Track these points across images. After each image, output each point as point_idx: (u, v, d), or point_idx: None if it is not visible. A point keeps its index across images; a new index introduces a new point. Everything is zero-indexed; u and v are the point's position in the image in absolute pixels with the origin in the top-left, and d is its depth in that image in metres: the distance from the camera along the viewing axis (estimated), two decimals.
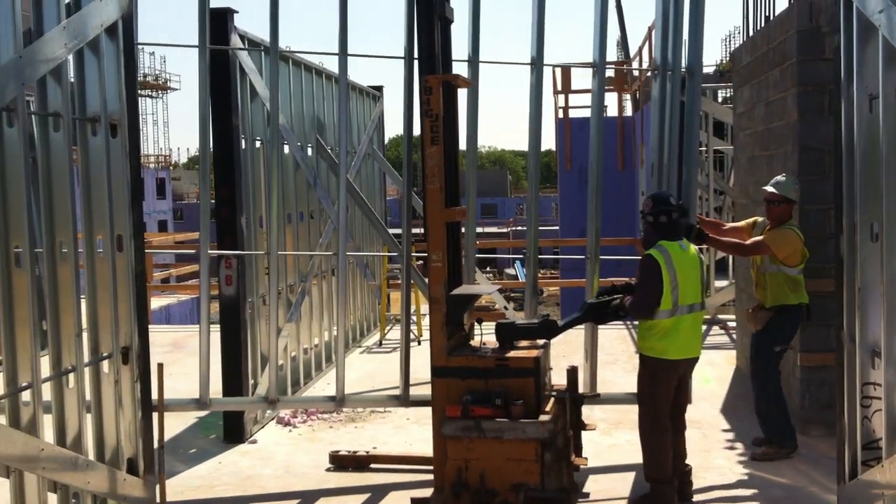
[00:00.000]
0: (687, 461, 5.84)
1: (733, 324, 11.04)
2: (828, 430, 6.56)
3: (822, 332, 6.88)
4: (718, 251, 10.19)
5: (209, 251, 6.67)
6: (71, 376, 4.64)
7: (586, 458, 6.08)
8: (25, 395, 4.33)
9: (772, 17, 8.35)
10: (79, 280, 4.70)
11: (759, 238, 6.55)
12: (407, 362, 6.67)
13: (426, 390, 7.98)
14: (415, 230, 7.38)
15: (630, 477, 6.20)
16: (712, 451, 6.79)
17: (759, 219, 6.88)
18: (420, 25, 5.79)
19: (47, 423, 4.47)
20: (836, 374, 5.27)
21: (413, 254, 7.15)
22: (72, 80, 4.81)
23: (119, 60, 5.05)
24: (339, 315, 7.01)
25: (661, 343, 5.51)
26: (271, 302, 6.85)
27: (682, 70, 6.94)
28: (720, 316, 12.29)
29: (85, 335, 4.80)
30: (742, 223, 7.12)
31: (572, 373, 5.84)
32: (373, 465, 6.52)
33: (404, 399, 6.66)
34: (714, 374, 9.17)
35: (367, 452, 6.65)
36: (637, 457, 6.58)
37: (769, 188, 6.57)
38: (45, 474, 4.35)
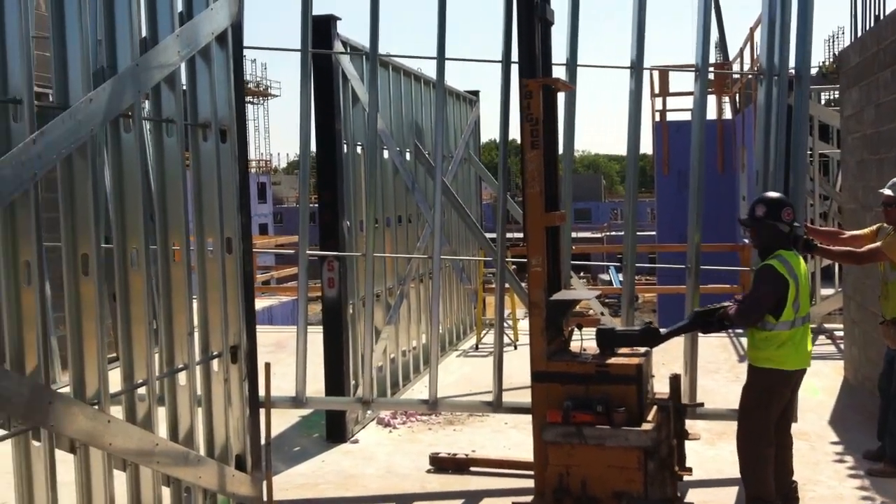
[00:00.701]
0: (795, 476, 5.66)
1: (840, 333, 10.68)
2: None
3: None
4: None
5: (307, 253, 6.79)
6: (183, 374, 4.78)
7: (690, 469, 5.94)
8: (140, 391, 4.48)
9: (882, 17, 8.07)
10: (190, 281, 4.84)
11: (875, 245, 6.24)
12: (500, 368, 6.65)
13: (523, 395, 7.98)
14: (508, 234, 7.37)
15: (733, 491, 6.05)
16: (820, 464, 6.58)
17: (885, 225, 6.54)
18: (520, 28, 5.76)
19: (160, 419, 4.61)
20: None
21: (508, 258, 7.13)
22: (184, 86, 4.96)
23: (228, 67, 5.18)
24: (433, 318, 7.04)
25: (779, 354, 5.34)
26: (367, 304, 6.94)
27: (789, 74, 6.73)
28: (827, 325, 11.91)
29: (196, 335, 4.94)
30: (864, 230, 6.76)
31: (675, 381, 5.72)
32: (472, 468, 6.53)
33: (497, 405, 6.65)
34: (821, 384, 8.88)
35: (467, 455, 6.66)
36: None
37: (886, 190, 6.25)
38: (159, 468, 4.49)
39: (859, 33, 8.74)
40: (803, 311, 5.36)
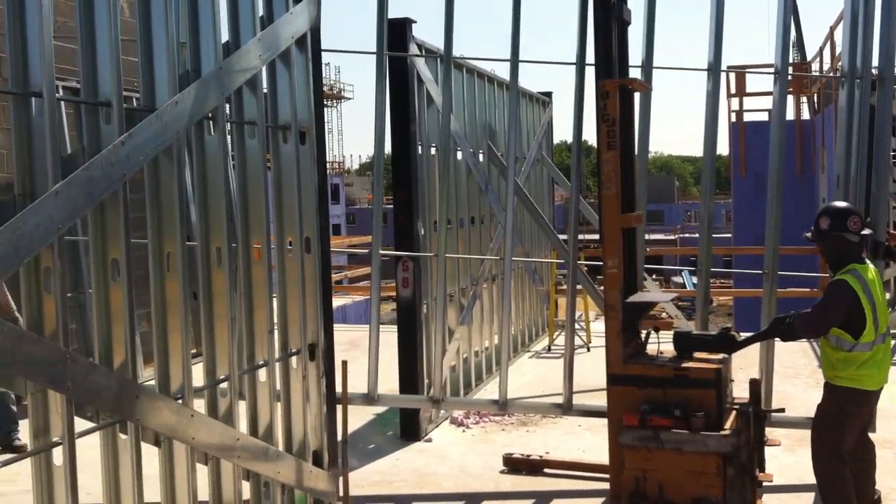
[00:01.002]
0: (878, 485, 5.50)
1: None
2: None
3: None
4: None
5: (380, 253, 6.85)
6: (263, 370, 4.87)
7: (771, 475, 5.84)
8: (221, 387, 4.58)
9: None
10: (271, 279, 4.93)
11: None
12: (571, 370, 6.62)
13: (595, 397, 7.92)
14: (579, 236, 7.33)
15: (810, 498, 5.91)
16: None
17: None
18: (596, 28, 5.72)
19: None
20: None
21: (580, 260, 7.09)
22: (264, 89, 5.05)
23: (307, 70, 5.26)
24: (505, 320, 7.03)
25: (860, 374, 5.08)
26: (439, 303, 6.95)
27: (872, 75, 6.55)
28: None
29: (276, 332, 5.02)
30: None
31: (755, 385, 5.62)
32: (546, 470, 6.50)
33: (567, 407, 6.62)
34: None
35: (541, 457, 6.64)
36: None
37: None
38: (240, 463, 4.58)
39: None
40: (883, 328, 5.12)
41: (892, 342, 5.26)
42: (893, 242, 6.29)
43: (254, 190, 4.86)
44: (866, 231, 5.17)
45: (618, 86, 5.55)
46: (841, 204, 5.32)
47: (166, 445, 4.18)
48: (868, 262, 5.19)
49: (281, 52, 5.03)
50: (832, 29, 17.61)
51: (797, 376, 9.45)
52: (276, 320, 5.03)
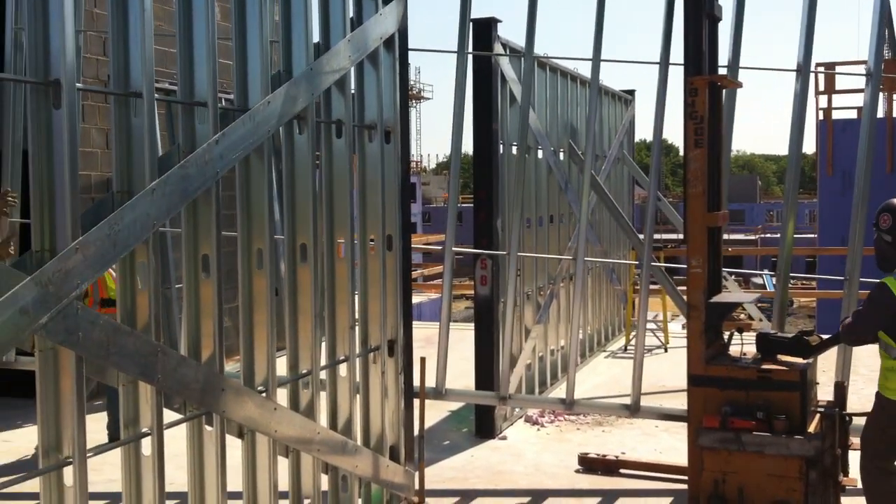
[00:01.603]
0: None
1: None
2: None
3: None
4: None
5: (453, 250, 6.88)
6: (343, 365, 4.96)
7: (855, 479, 5.72)
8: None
9: None
10: (353, 276, 5.02)
11: None
12: (640, 372, 6.57)
13: (673, 398, 7.85)
14: (657, 235, 7.26)
15: None
16: None
17: None
18: (686, 23, 5.66)
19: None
20: None
21: (653, 263, 7.01)
22: (352, 89, 5.14)
23: (395, 71, 5.34)
24: (574, 320, 7.01)
25: None
26: (509, 301, 6.93)
27: None
28: None
29: (356, 328, 5.12)
30: None
31: (840, 388, 5.53)
32: (622, 471, 6.48)
33: (634, 408, 6.57)
34: None
35: (617, 457, 6.62)
36: None
37: None
38: (319, 456, 4.67)
39: None
40: None
41: None
42: None
43: (339, 188, 4.96)
44: None
45: (707, 82, 5.49)
46: (892, 200, 4.98)
47: (249, 438, 4.28)
48: None
49: (369, 52, 5.12)
50: None
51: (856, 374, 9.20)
52: (357, 316, 5.12)
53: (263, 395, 4.26)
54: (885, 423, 4.95)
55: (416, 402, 5.61)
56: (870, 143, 6.42)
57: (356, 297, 5.16)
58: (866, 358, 10.14)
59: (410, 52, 5.65)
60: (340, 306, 4.96)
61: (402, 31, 5.43)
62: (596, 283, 11.02)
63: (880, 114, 20.56)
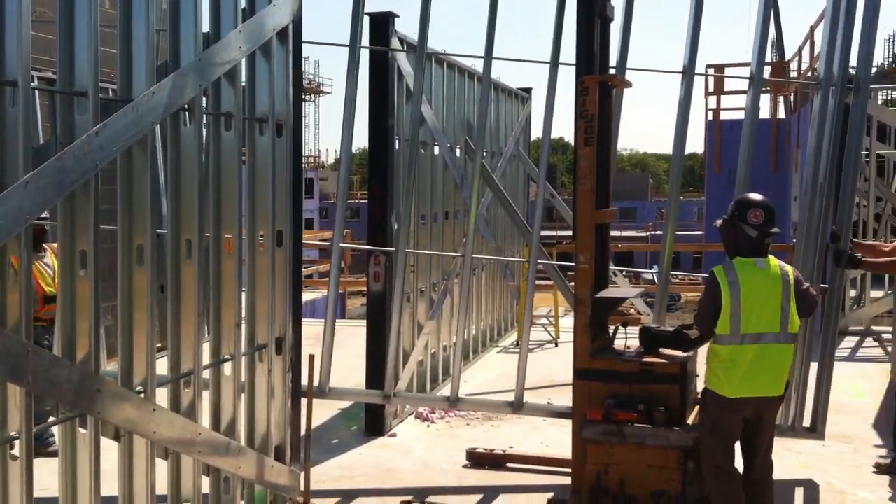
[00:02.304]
0: (835, 479, 5.55)
1: (888, 336, 10.54)
2: None
3: None
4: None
5: (340, 245, 6.82)
6: (228, 365, 4.87)
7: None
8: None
9: None
10: (241, 273, 4.93)
11: None
12: (524, 369, 6.63)
13: (564, 392, 7.99)
14: (551, 232, 7.36)
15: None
16: (863, 468, 6.53)
17: None
18: (579, 23, 5.70)
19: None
20: None
21: (546, 261, 7.08)
22: (243, 81, 5.04)
23: (288, 63, 5.26)
24: (462, 317, 7.00)
25: (719, 376, 4.90)
26: (396, 298, 6.86)
27: (848, 84, 6.59)
28: (875, 328, 11.76)
29: (243, 326, 5.03)
30: None
31: None
32: (509, 465, 6.55)
33: (518, 405, 6.63)
34: (867, 387, 8.81)
35: (504, 451, 6.70)
36: (780, 471, 6.41)
37: None
38: (200, 457, 4.56)
39: None
40: (753, 328, 4.82)
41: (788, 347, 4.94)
42: (856, 251, 6.38)
43: (227, 182, 4.86)
44: (775, 230, 4.97)
45: (598, 82, 5.57)
46: (753, 195, 5.08)
47: (126, 440, 4.15)
48: (771, 260, 4.96)
49: (262, 44, 5.03)
50: (812, 29, 17.72)
51: None
52: (244, 314, 5.03)
53: (142, 395, 4.15)
54: (707, 416, 5.03)
55: (305, 400, 5.56)
56: (750, 144, 6.62)
57: (244, 295, 5.07)
58: None
59: (307, 46, 5.58)
60: (226, 304, 4.86)
61: (297, 22, 5.36)
62: (490, 280, 11.12)
63: (767, 115, 21.38)
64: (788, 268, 4.99)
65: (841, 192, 6.62)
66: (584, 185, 5.55)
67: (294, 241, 5.34)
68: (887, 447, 6.80)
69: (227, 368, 4.87)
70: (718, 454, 4.95)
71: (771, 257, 4.98)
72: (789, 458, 6.77)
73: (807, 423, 6.60)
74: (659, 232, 44.40)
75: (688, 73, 6.59)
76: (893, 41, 42.28)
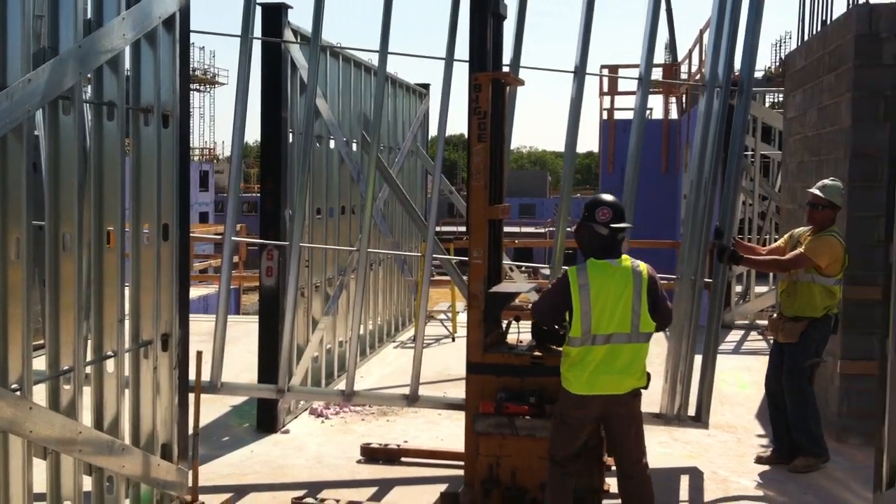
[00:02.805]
0: (720, 467, 5.72)
1: None
2: (865, 439, 6.51)
3: (863, 340, 6.81)
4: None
5: (232, 239, 6.71)
6: (111, 361, 4.72)
7: None
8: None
9: (829, 22, 8.26)
10: (124, 267, 4.79)
11: (798, 251, 6.35)
12: (419, 362, 6.66)
13: (459, 386, 8.03)
14: (451, 228, 7.39)
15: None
16: (746, 456, 6.76)
17: (795, 231, 6.73)
18: (472, 21, 5.74)
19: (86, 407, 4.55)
20: (878, 382, 5.20)
21: (435, 255, 7.09)
22: (127, 70, 4.90)
23: (174, 52, 5.12)
24: (356, 312, 6.92)
25: (568, 373, 4.93)
26: (290, 293, 6.77)
27: (732, 87, 6.78)
28: (759, 322, 12.21)
29: (127, 322, 4.89)
30: (779, 242, 6.91)
31: None
32: (404, 459, 6.57)
33: (413, 398, 6.65)
34: (751, 379, 9.12)
35: (399, 446, 6.69)
36: (667, 460, 6.60)
37: (815, 190, 6.36)
38: (82, 457, 4.41)
39: (806, 37, 8.90)
40: (605, 329, 4.82)
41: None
42: (738, 249, 6.58)
43: (109, 173, 4.70)
44: (623, 225, 4.95)
45: (490, 79, 5.60)
46: (602, 196, 5.06)
47: (0, 440, 3.98)
48: (625, 259, 4.94)
49: (147, 31, 4.88)
50: (701, 32, 18.25)
51: (650, 366, 9.74)
52: (128, 310, 4.89)
53: (18, 393, 3.98)
54: (556, 411, 5.06)
55: (193, 397, 5.44)
56: (638, 144, 6.77)
57: (127, 290, 4.92)
58: None
59: (201, 35, 5.47)
60: (109, 299, 4.70)
61: (184, 11, 5.23)
62: (387, 275, 11.10)
63: (659, 115, 21.93)
64: (643, 267, 4.95)
65: (725, 190, 6.84)
66: (477, 181, 5.59)
67: (181, 234, 5.21)
68: (769, 437, 7.04)
69: (111, 365, 4.72)
70: (558, 447, 5.00)
71: (625, 257, 4.97)
72: (676, 448, 6.97)
73: (692, 412, 6.78)
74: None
75: (579, 72, 6.70)
76: (780, 46, 43.98)
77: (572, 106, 6.75)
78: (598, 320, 4.82)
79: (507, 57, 6.47)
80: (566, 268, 5.08)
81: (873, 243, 6.77)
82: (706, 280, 6.79)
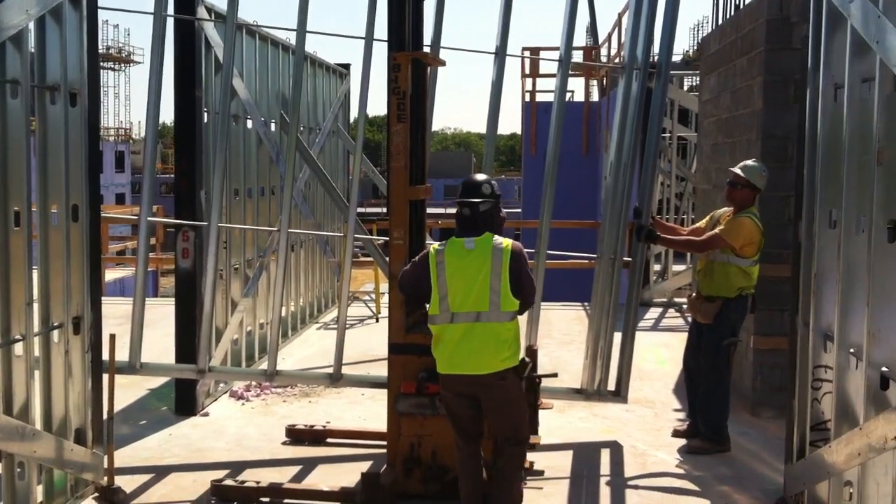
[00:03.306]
0: (638, 441, 5.79)
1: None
2: (778, 412, 6.68)
3: (775, 316, 6.99)
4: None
5: (148, 220, 6.55)
6: (19, 345, 4.58)
7: (540, 437, 6.13)
8: None
9: (742, 6, 8.42)
10: (31, 249, 4.64)
11: (713, 232, 6.37)
12: (342, 341, 6.60)
13: (382, 367, 8.02)
14: (375, 210, 7.34)
15: (570, 455, 6.35)
16: (663, 430, 6.89)
17: (716, 212, 6.76)
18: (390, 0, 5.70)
19: None
20: (789, 356, 5.36)
21: (357, 236, 7.04)
22: (32, 47, 4.73)
23: (82, 29, 4.98)
24: (277, 294, 6.77)
25: (434, 352, 4.89)
26: (209, 274, 6.61)
27: (651, 70, 6.85)
28: (677, 300, 12.45)
29: (36, 305, 4.74)
30: (700, 223, 6.92)
31: (530, 353, 5.87)
32: (329, 440, 6.52)
33: (336, 377, 6.60)
34: (669, 355, 9.30)
35: (324, 427, 6.65)
36: (586, 434, 6.71)
37: (736, 169, 6.36)
38: None
39: (720, 22, 9.06)
40: (461, 307, 4.73)
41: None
42: (656, 228, 6.63)
43: (14, 153, 4.54)
44: (473, 200, 4.87)
45: (409, 58, 5.55)
46: (473, 178, 5.04)
47: None
48: (486, 237, 4.81)
49: (52, 7, 4.73)
50: (620, 15, 18.46)
51: (572, 342, 9.94)
52: (37, 292, 4.74)
53: None
54: (441, 394, 5.03)
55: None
56: (559, 126, 6.79)
57: (36, 273, 4.77)
58: (558, 322, 10.98)
59: (115, 13, 5.30)
60: (15, 281, 4.55)
61: None
62: (309, 255, 11.00)
63: (581, 98, 22.16)
64: (507, 244, 4.77)
65: (643, 171, 6.93)
66: (397, 161, 5.53)
67: (91, 215, 5.07)
68: (686, 411, 7.19)
69: (19, 349, 4.58)
70: (452, 427, 4.99)
71: (488, 234, 4.82)
72: (595, 423, 7.08)
73: (612, 387, 6.88)
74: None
75: (500, 54, 6.68)
76: (698, 30, 44.74)
77: (493, 88, 6.74)
78: (453, 298, 4.73)
79: (428, 37, 6.44)
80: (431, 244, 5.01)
81: (784, 222, 6.94)
82: (626, 259, 6.88)
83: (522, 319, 5.95)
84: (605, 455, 6.40)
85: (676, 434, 6.74)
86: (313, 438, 6.55)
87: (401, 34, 5.65)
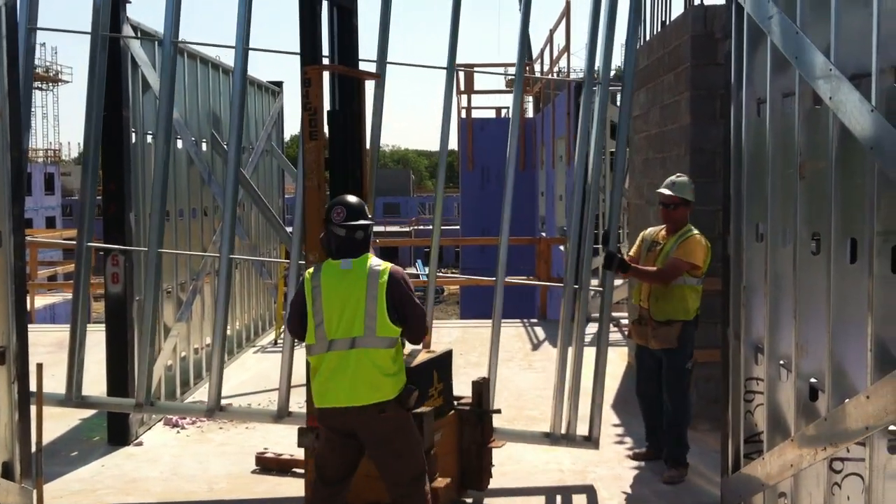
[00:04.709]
0: (577, 457, 5.77)
1: (626, 321, 11.26)
2: (714, 424, 6.71)
3: (709, 329, 7.04)
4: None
5: (88, 245, 6.39)
6: None
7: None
8: None
9: (668, 23, 8.54)
10: None
11: (670, 260, 6.13)
12: (286, 379, 6.37)
13: None
14: None
15: None
16: (603, 447, 6.86)
17: (645, 233, 6.60)
18: (301, 11, 5.46)
19: None
20: (722, 369, 5.41)
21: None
22: None
23: (2, 48, 4.84)
24: (219, 319, 6.55)
25: (313, 384, 4.53)
26: (147, 301, 6.49)
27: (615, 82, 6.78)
28: (614, 314, 12.54)
29: None
30: (632, 250, 6.69)
31: (476, 385, 5.80)
32: (295, 469, 6.24)
33: (280, 415, 6.40)
34: (607, 370, 9.30)
35: (292, 456, 6.34)
36: (521, 449, 6.68)
37: (664, 190, 6.24)
38: None
39: (648, 38, 9.17)
40: (336, 333, 4.40)
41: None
42: (627, 257, 6.42)
43: None
44: (358, 223, 4.55)
45: (320, 72, 5.33)
46: (343, 196, 4.70)
47: None
48: (365, 259, 4.52)
49: None
50: (552, 32, 18.69)
51: (511, 360, 9.95)
52: None
53: None
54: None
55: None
56: (516, 137, 6.71)
57: None
58: (503, 342, 10.91)
59: (47, 32, 5.17)
60: None
61: (11, 6, 4.97)
62: (245, 278, 10.85)
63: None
64: (385, 267, 4.49)
65: (611, 193, 6.58)
66: (310, 181, 5.27)
67: (15, 241, 4.92)
68: (625, 427, 7.23)
69: None
70: (321, 463, 4.61)
71: (367, 256, 4.54)
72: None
73: (583, 428, 6.47)
74: (421, 227, 45.43)
75: (449, 68, 6.59)
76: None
77: (446, 100, 6.67)
78: (329, 323, 4.40)
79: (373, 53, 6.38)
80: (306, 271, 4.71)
81: (715, 236, 7.02)
82: (597, 289, 6.60)
83: (479, 336, 5.89)
84: (544, 474, 6.36)
85: (637, 457, 6.61)
86: (280, 468, 6.33)
87: (313, 47, 5.46)
